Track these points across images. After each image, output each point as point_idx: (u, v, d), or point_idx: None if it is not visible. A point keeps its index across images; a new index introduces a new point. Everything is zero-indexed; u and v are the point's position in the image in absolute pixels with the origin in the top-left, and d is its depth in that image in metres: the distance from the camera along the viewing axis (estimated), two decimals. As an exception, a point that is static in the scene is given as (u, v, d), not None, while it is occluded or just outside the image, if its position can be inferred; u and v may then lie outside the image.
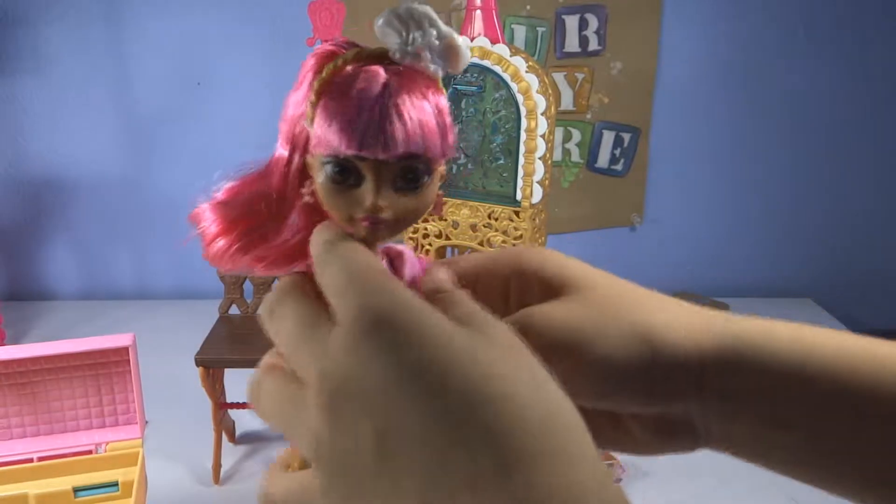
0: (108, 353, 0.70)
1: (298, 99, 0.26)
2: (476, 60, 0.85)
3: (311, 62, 0.26)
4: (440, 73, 0.25)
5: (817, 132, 1.37)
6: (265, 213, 0.26)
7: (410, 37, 0.24)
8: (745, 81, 1.34)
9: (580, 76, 1.32)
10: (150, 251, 1.41)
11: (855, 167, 1.39)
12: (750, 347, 0.26)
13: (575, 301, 0.28)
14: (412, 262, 0.27)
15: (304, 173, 0.26)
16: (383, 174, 0.24)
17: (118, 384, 0.72)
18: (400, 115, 0.23)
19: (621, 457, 0.82)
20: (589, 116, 1.35)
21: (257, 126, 1.33)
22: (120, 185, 1.36)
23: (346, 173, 0.24)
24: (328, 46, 0.26)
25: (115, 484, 0.69)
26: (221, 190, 0.27)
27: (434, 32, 0.24)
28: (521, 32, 1.31)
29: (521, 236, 0.82)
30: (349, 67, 0.25)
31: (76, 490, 0.67)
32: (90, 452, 0.71)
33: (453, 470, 0.19)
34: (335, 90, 0.24)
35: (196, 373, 0.79)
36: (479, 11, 0.86)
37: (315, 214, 0.26)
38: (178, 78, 1.31)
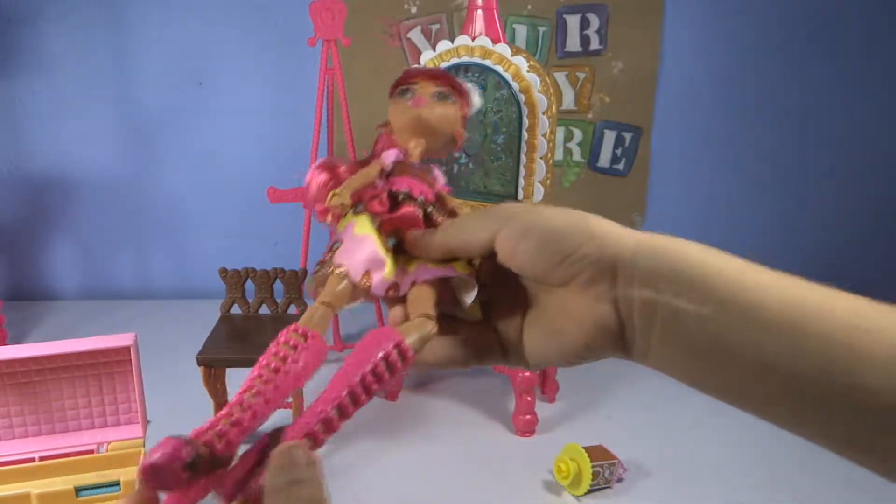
0: (109, 353, 0.70)
1: None
2: (478, 60, 0.85)
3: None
4: None
5: (819, 132, 1.36)
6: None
7: None
8: (747, 81, 1.33)
9: (581, 75, 1.32)
10: (151, 251, 1.41)
11: (856, 167, 1.38)
12: (667, 244, 0.31)
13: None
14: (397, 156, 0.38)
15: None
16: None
17: (120, 384, 0.72)
18: None
19: (623, 457, 0.82)
20: (590, 116, 1.35)
21: (258, 126, 1.33)
22: (121, 185, 1.36)
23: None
24: None
25: (117, 483, 0.69)
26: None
27: None
28: (522, 32, 1.31)
29: (522, 236, 0.82)
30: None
31: (78, 490, 0.68)
32: (92, 452, 0.71)
33: None
34: None
35: (198, 372, 0.79)
36: (480, 11, 0.86)
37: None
38: (180, 78, 1.31)
